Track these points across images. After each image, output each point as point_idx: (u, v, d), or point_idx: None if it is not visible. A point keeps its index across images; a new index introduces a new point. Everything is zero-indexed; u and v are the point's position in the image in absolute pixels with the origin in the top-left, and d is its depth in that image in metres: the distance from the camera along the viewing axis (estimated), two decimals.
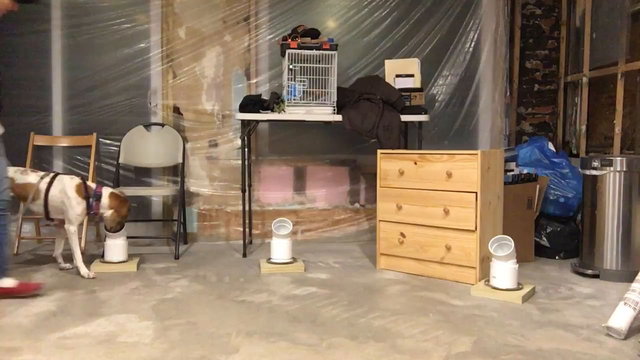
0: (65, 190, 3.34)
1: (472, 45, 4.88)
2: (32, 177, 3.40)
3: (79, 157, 4.55)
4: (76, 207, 3.34)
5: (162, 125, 4.50)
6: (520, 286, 3.02)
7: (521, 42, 4.95)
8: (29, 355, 2.19)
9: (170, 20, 4.53)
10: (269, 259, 3.65)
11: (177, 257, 3.94)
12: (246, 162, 4.10)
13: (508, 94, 4.92)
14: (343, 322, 2.58)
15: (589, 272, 3.41)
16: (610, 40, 4.20)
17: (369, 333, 2.44)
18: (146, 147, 4.45)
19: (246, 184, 4.06)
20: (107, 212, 3.41)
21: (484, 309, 2.80)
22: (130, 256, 3.71)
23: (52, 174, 3.42)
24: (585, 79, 4.48)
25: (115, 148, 4.48)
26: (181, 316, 2.66)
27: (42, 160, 4.53)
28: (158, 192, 4.45)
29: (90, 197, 3.37)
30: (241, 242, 4.12)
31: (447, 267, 3.35)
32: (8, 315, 2.66)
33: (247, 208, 4.30)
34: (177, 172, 4.50)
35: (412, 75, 4.36)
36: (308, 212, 4.69)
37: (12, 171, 3.35)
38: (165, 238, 4.52)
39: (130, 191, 4.18)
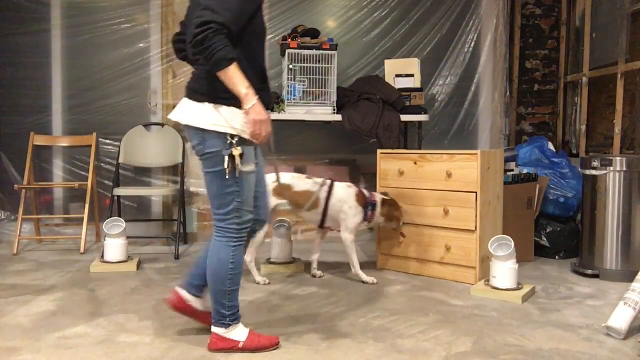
0: (345, 199, 3.22)
1: (472, 45, 4.88)
2: (310, 184, 3.25)
3: (79, 157, 4.55)
4: (357, 216, 3.23)
5: (162, 125, 4.50)
6: (520, 286, 3.02)
7: (521, 42, 4.95)
8: (29, 355, 2.19)
9: (170, 20, 4.53)
10: (269, 259, 3.64)
11: (177, 257, 3.94)
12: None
13: (508, 94, 4.92)
14: (343, 322, 2.58)
15: (589, 272, 3.41)
16: (610, 40, 4.20)
17: (369, 333, 2.44)
18: (146, 147, 4.45)
19: None
20: (381, 220, 3.31)
21: (484, 309, 2.80)
22: (130, 256, 3.71)
23: (328, 182, 3.27)
24: (585, 79, 4.48)
25: (115, 148, 4.48)
26: (181, 316, 2.66)
27: (42, 160, 4.54)
28: (158, 192, 4.46)
29: (367, 207, 3.24)
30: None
31: (447, 267, 3.35)
32: (8, 315, 2.66)
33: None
34: (177, 172, 4.50)
35: (412, 75, 4.37)
36: None
37: (289, 178, 3.24)
38: (165, 238, 4.52)
39: (130, 191, 4.20)
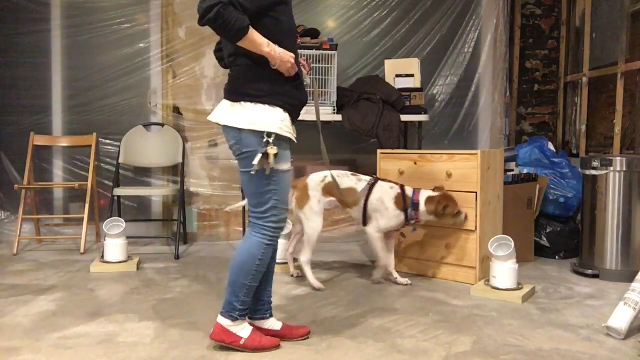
0: (383, 199, 3.12)
1: (472, 45, 4.88)
2: (353, 181, 3.19)
3: (79, 157, 4.55)
4: (393, 219, 3.11)
5: (162, 125, 4.50)
6: (520, 286, 3.01)
7: (521, 42, 4.95)
8: (29, 355, 2.19)
9: (170, 20, 4.53)
10: None
11: (177, 257, 3.93)
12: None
13: (508, 94, 4.92)
14: (343, 322, 2.58)
15: (589, 272, 3.41)
16: (610, 40, 4.20)
17: (369, 333, 2.44)
18: (146, 147, 4.45)
19: None
20: (429, 217, 3.13)
21: (484, 309, 2.80)
22: (130, 256, 3.71)
23: (372, 180, 3.19)
24: (585, 79, 4.48)
25: (115, 148, 4.48)
26: (181, 316, 2.66)
27: (42, 160, 4.54)
28: (158, 192, 4.46)
29: (407, 209, 3.11)
30: (241, 242, 4.11)
31: (447, 267, 3.35)
32: (8, 315, 2.66)
33: (247, 208, 4.29)
34: (177, 172, 4.49)
35: (412, 75, 4.37)
36: None
37: (335, 175, 3.13)
38: (165, 238, 4.52)
39: (130, 191, 4.20)
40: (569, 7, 4.83)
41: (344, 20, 4.78)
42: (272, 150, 2.06)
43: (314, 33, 4.10)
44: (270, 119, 2.07)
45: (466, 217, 3.17)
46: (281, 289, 3.15)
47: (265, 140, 2.06)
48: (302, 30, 4.14)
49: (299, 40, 3.98)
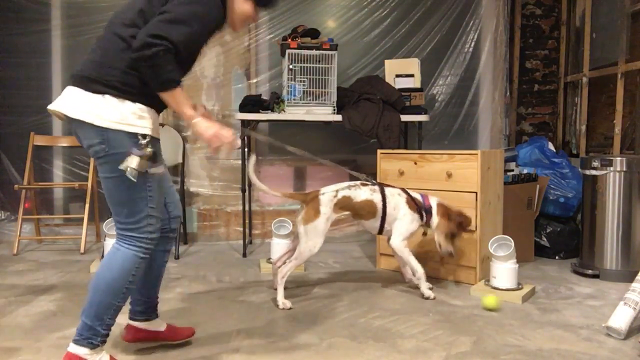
0: (398, 206, 3.00)
1: (472, 45, 4.88)
2: (367, 193, 3.00)
3: (79, 157, 4.55)
4: (414, 222, 3.00)
5: (162, 125, 4.49)
6: (520, 286, 3.01)
7: (521, 42, 4.95)
8: (29, 355, 2.19)
9: None
10: (269, 259, 3.64)
11: (177, 257, 3.94)
12: (246, 162, 4.10)
13: (508, 94, 4.92)
14: (343, 322, 2.58)
15: (589, 272, 3.41)
16: (610, 40, 4.20)
17: (369, 333, 2.44)
18: None
19: (246, 184, 4.06)
20: (435, 223, 3.00)
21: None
22: None
23: (377, 187, 3.03)
24: (585, 79, 4.48)
25: None
26: (181, 316, 2.66)
27: (42, 160, 4.54)
28: None
29: (421, 210, 3.01)
30: (241, 242, 4.12)
31: (447, 267, 3.35)
32: (8, 315, 2.66)
33: (247, 208, 4.30)
34: (177, 172, 4.49)
35: (412, 75, 4.36)
36: None
37: (346, 188, 2.99)
38: None
39: None
40: (569, 7, 4.83)
41: (344, 20, 4.78)
42: (148, 152, 1.85)
43: (314, 33, 4.10)
44: (145, 117, 1.87)
45: (451, 254, 2.98)
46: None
47: (139, 142, 1.84)
48: (302, 30, 4.13)
49: (299, 40, 3.98)
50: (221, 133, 1.91)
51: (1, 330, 2.46)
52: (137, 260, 1.94)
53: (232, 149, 1.93)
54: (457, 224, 2.97)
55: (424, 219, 3.02)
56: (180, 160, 4.41)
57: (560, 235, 3.96)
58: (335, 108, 4.03)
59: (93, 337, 1.90)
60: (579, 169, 3.65)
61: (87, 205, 4.16)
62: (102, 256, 3.63)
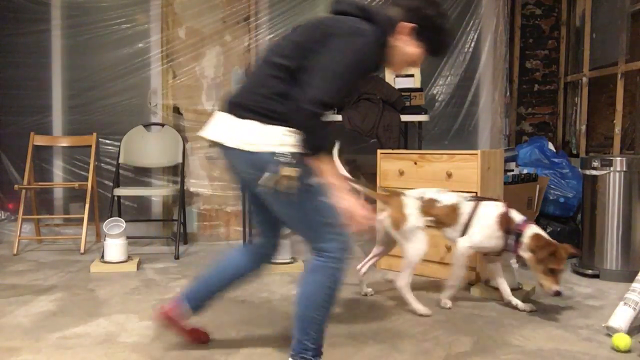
0: (486, 215, 2.76)
1: (472, 45, 4.88)
2: (454, 197, 2.84)
3: (79, 157, 4.56)
4: (492, 239, 2.73)
5: (162, 125, 4.50)
6: (520, 286, 3.01)
7: (521, 42, 4.95)
8: (29, 355, 2.19)
9: (170, 20, 4.53)
10: None
11: (177, 257, 3.94)
12: None
13: (508, 94, 4.92)
14: (343, 322, 2.58)
15: (589, 272, 3.41)
16: (610, 40, 4.19)
17: (369, 333, 2.44)
18: (146, 147, 4.45)
19: None
20: (527, 255, 2.65)
21: (484, 309, 2.80)
22: (130, 256, 3.71)
23: (475, 200, 2.84)
24: (585, 79, 4.48)
25: (115, 148, 4.48)
26: None
27: (42, 160, 4.54)
28: (158, 192, 4.46)
29: (510, 233, 2.71)
30: (241, 242, 4.12)
31: (447, 267, 3.34)
32: (8, 315, 2.66)
33: (247, 208, 4.29)
34: (177, 172, 4.49)
35: (412, 75, 4.36)
36: None
37: (434, 192, 2.88)
38: (165, 238, 4.52)
39: (130, 191, 4.20)
40: (569, 7, 4.83)
41: None
42: (294, 171, 1.83)
43: None
44: (286, 137, 1.85)
45: (558, 293, 2.62)
46: (282, 288, 3.15)
47: (284, 160, 1.83)
48: None
49: None
50: (355, 210, 1.82)
51: (1, 330, 2.46)
52: (332, 270, 1.89)
53: (362, 230, 1.81)
54: (549, 254, 2.58)
55: (509, 242, 2.72)
56: (180, 160, 4.41)
57: (560, 235, 3.95)
58: (335, 108, 4.02)
59: (304, 352, 1.88)
60: (579, 169, 3.65)
61: (87, 205, 4.16)
62: (102, 256, 3.63)
